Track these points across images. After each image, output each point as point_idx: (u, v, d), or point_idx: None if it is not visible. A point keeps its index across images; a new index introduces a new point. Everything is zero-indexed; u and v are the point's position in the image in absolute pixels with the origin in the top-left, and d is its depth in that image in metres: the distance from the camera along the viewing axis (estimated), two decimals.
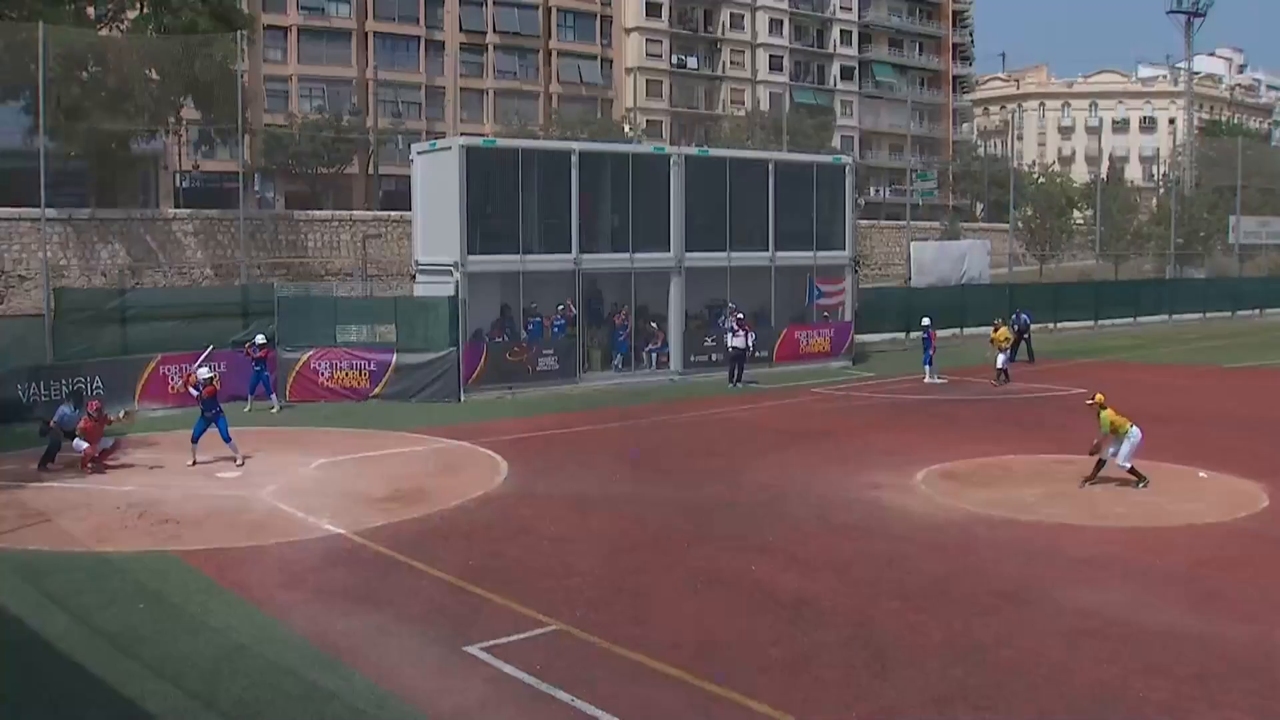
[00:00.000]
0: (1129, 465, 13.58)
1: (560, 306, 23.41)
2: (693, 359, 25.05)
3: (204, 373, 15.59)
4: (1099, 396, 13.97)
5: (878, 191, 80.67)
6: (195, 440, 15.18)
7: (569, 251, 22.92)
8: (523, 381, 22.53)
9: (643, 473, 15.04)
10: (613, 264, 23.90)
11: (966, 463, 14.33)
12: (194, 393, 15.58)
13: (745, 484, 14.27)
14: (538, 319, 23.12)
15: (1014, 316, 28.42)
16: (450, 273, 21.83)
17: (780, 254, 26.27)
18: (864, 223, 53.56)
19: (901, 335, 31.89)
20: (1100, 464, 13.65)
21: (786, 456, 16.12)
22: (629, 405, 21.36)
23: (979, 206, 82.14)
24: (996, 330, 23.98)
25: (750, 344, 24.16)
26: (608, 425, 18.99)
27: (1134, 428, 13.56)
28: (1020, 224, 57.95)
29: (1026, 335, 27.97)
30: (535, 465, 15.46)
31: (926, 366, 24.02)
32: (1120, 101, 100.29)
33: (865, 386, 23.59)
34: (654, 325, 24.87)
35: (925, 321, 24.25)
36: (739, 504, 13.19)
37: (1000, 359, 23.68)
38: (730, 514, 12.70)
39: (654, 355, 24.80)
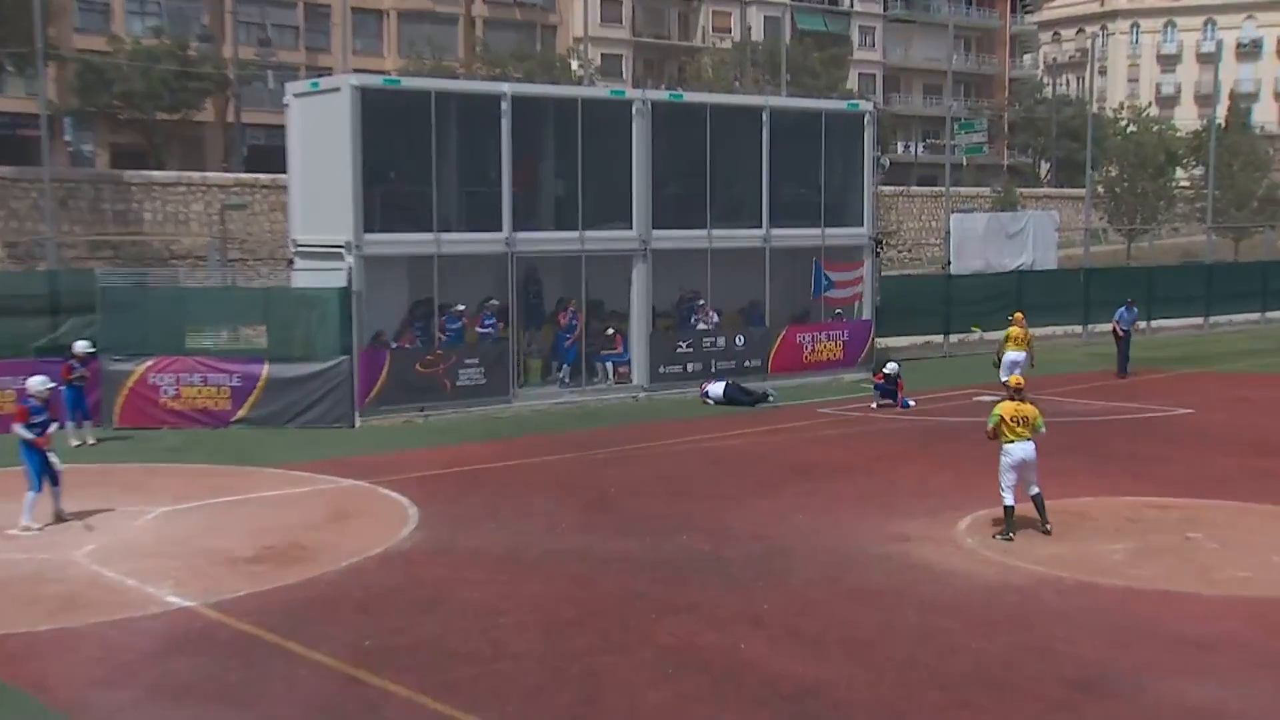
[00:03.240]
0: (1008, 499, 14.14)
1: (489, 302, 23.47)
2: (662, 370, 25.26)
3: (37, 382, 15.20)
4: (1015, 379, 14.81)
5: (908, 148, 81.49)
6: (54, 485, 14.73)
7: (499, 229, 23.02)
8: (438, 400, 22.58)
9: (598, 520, 15.12)
10: (557, 245, 24.04)
11: (1027, 506, 14.50)
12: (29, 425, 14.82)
13: (733, 535, 14.37)
14: (459, 319, 23.19)
15: (1125, 310, 28.07)
16: (340, 256, 21.82)
17: (777, 232, 26.53)
18: (888, 189, 54.07)
19: (938, 338, 32.27)
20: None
21: (786, 498, 16.27)
22: (579, 431, 21.44)
23: (1044, 166, 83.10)
24: (1015, 323, 23.77)
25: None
26: (551, 458, 19.07)
27: (1016, 442, 14.06)
28: (1101, 189, 58.46)
29: (1126, 337, 28.01)
30: (455, 511, 15.49)
31: (881, 399, 23.96)
32: (1249, 16, 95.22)
33: (889, 405, 23.87)
34: (611, 329, 25.07)
35: (893, 368, 24.20)
36: (724, 561, 13.29)
37: (1008, 362, 23.20)
38: (713, 574, 12.79)
39: (611, 365, 24.98)
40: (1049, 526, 14.22)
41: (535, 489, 16.92)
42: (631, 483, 17.33)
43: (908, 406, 23.69)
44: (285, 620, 11.35)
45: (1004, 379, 23.19)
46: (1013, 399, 14.38)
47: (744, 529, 14.65)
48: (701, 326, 25.86)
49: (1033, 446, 14.16)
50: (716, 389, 24.52)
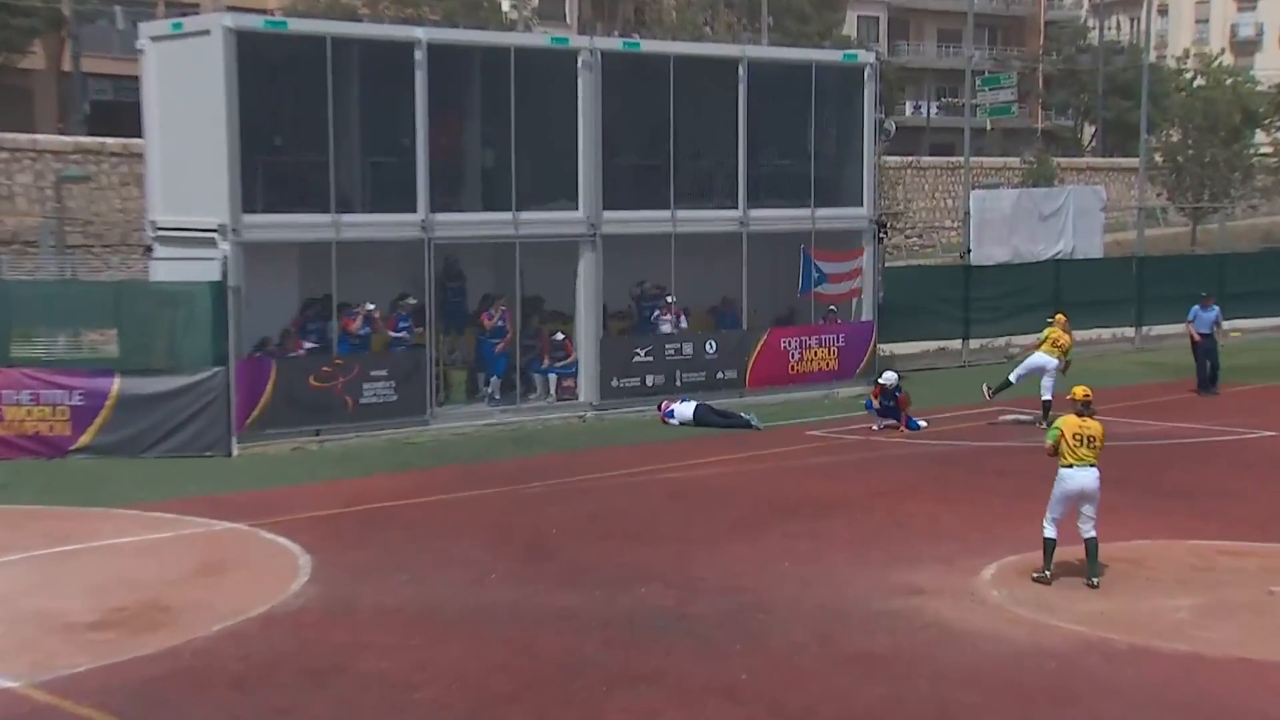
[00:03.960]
0: (1049, 531, 14.52)
1: (402, 300, 23.51)
2: (616, 383, 25.35)
3: None
4: (1081, 389, 14.75)
5: (918, 108, 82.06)
6: None
7: (413, 209, 23.04)
8: (338, 422, 22.58)
9: (536, 569, 15.19)
10: (485, 229, 24.07)
11: (1066, 551, 14.66)
12: None
13: (702, 587, 14.45)
14: (366, 322, 23.17)
15: (1200, 309, 28.31)
16: (213, 243, 21.72)
17: (757, 213, 26.69)
18: (894, 160, 54.14)
19: (955, 344, 32.65)
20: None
21: (768, 542, 16.40)
22: (513, 459, 21.55)
23: (1089, 131, 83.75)
24: (1056, 325, 24.38)
25: None
26: (478, 493, 19.12)
27: (1075, 468, 14.34)
28: (1160, 158, 58.50)
29: (1210, 343, 28.33)
30: (358, 560, 15.50)
31: (883, 420, 24.21)
32: None
33: (893, 426, 24.04)
34: (561, 334, 25.15)
35: (891, 378, 24.39)
36: (692, 620, 13.36)
37: (1029, 364, 24.25)
38: (678, 637, 12.85)
39: (553, 378, 25.07)
40: (1097, 580, 14.40)
41: (458, 532, 16.93)
42: (577, 523, 17.38)
43: (917, 428, 23.93)
44: (138, 701, 11.24)
45: (1012, 377, 23.90)
46: (1078, 413, 14.55)
47: (716, 580, 14.72)
48: (665, 329, 26.01)
49: (1095, 475, 14.37)
50: (685, 410, 24.69)
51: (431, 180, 23.13)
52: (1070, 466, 14.32)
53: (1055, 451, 14.44)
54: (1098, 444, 14.41)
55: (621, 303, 26.33)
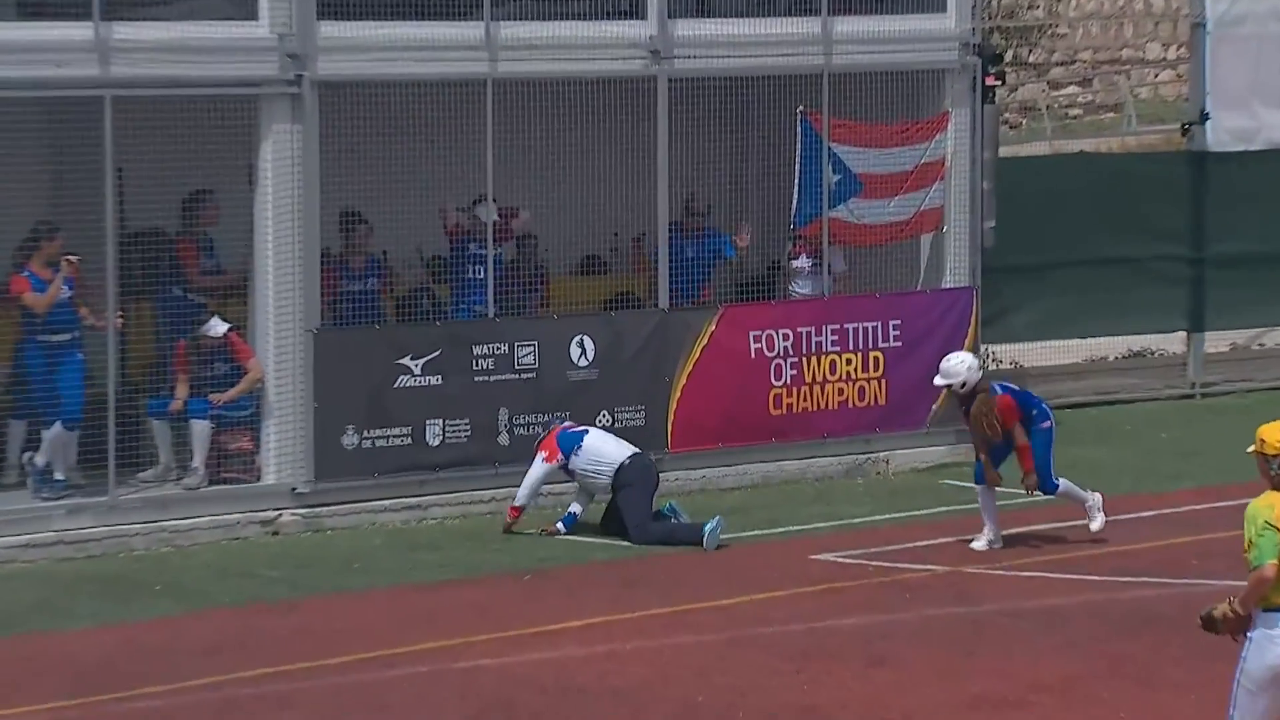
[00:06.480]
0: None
1: None
2: (353, 440, 25.43)
3: None
4: (1274, 435, 14.79)
5: None
6: None
7: None
8: None
9: None
10: (26, 64, 24.12)
11: None
12: None
13: None
14: None
15: None
16: None
17: (691, 31, 27.33)
18: None
19: (1173, 341, 33.87)
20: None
21: None
22: (101, 629, 21.47)
23: None
24: None
25: None
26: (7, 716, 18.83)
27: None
28: None
29: None
30: None
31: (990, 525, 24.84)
32: None
33: (1018, 541, 24.49)
34: (217, 325, 25.19)
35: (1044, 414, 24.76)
36: None
37: None
38: None
39: (202, 430, 25.28)
40: None
41: None
42: None
43: (1097, 523, 24.24)
44: None
45: None
46: (1278, 484, 14.55)
47: None
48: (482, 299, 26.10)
49: None
50: (611, 448, 24.94)
51: None
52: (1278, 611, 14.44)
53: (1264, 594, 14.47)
54: None
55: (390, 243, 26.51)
